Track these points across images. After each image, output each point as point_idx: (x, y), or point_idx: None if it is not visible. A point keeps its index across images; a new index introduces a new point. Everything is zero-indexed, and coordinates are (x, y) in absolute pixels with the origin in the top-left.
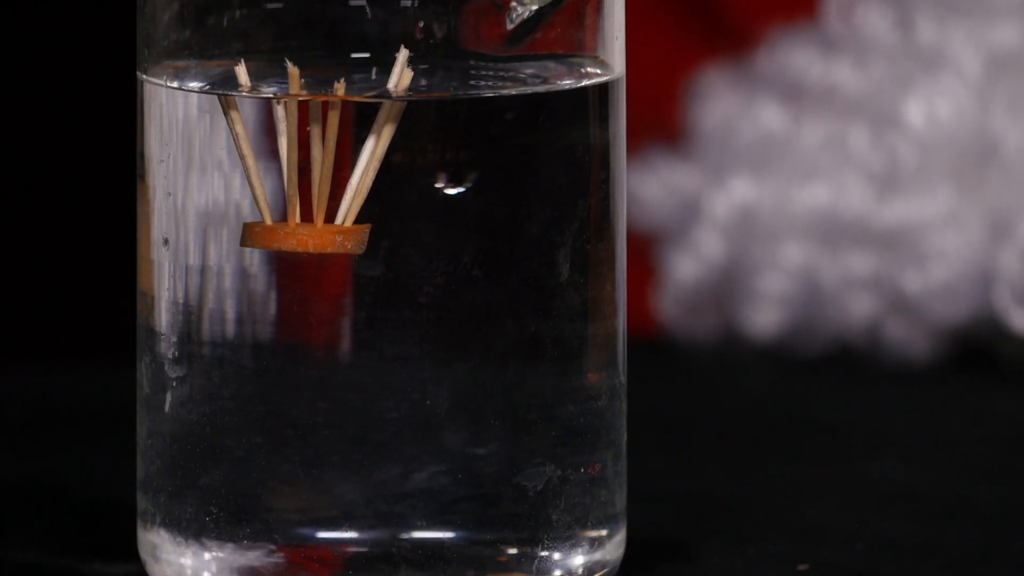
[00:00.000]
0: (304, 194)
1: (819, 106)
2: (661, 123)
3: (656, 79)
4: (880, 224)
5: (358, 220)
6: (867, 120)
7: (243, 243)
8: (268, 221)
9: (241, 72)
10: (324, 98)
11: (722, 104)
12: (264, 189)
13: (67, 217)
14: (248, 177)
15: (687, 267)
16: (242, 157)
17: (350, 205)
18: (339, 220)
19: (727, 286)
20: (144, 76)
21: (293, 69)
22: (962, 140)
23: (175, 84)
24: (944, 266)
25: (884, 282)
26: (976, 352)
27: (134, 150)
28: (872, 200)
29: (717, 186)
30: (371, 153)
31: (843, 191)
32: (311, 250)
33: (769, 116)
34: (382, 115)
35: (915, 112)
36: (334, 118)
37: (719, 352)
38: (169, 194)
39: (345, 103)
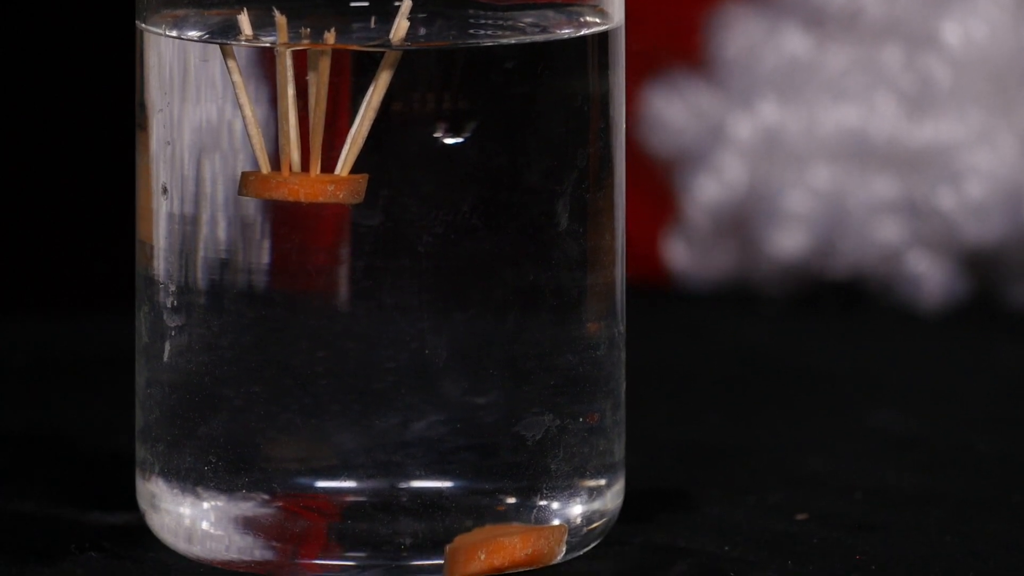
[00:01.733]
0: (307, 143)
1: (844, 32)
2: (684, 54)
3: (678, 10)
4: (912, 144)
5: (357, 169)
6: (899, 42)
7: (240, 192)
8: (265, 170)
9: (243, 21)
10: (314, 46)
11: (745, 33)
12: (262, 138)
13: (67, 165)
14: (246, 126)
15: (710, 190)
16: (240, 106)
17: (346, 154)
18: (337, 170)
19: (750, 209)
20: (143, 25)
21: (281, 18)
22: (996, 60)
23: (174, 33)
24: (978, 184)
25: (918, 201)
26: (985, 298)
27: (133, 99)
28: (904, 120)
29: (742, 109)
30: (367, 103)
31: (873, 112)
32: (302, 199)
33: (794, 42)
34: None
35: (950, 33)
36: (325, 67)
37: (732, 288)
38: (168, 143)
39: (340, 52)
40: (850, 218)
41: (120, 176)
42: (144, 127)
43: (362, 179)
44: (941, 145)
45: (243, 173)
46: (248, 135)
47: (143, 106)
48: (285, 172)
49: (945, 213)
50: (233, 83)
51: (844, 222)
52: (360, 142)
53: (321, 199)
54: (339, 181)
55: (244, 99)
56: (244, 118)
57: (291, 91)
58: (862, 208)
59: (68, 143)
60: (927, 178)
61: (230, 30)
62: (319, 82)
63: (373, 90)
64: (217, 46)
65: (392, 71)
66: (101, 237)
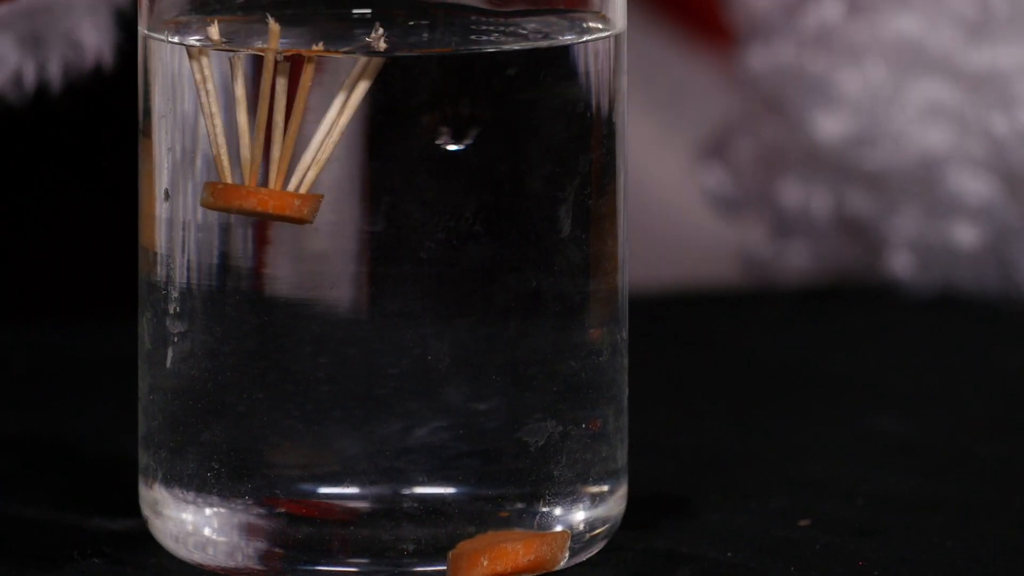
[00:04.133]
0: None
1: None
2: None
3: None
4: (968, 66)
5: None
6: None
7: (204, 203)
8: (228, 179)
9: (213, 31)
10: (282, 51)
11: None
12: (226, 147)
13: (69, 171)
14: (213, 134)
15: (761, 63)
16: (211, 114)
17: (305, 172)
18: (293, 187)
19: (799, 87)
20: (145, 31)
21: (274, 26)
22: None
23: (176, 39)
24: None
25: (969, 120)
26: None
27: (137, 105)
28: (960, 42)
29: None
30: (333, 121)
31: (934, 27)
32: (271, 211)
33: None
34: (351, 78)
35: None
36: (306, 79)
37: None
38: (170, 149)
39: (323, 64)
40: (900, 114)
41: (123, 182)
42: (147, 133)
43: (320, 199)
44: (997, 71)
45: (207, 183)
46: (214, 144)
47: (147, 112)
48: (251, 183)
49: (998, 137)
50: (206, 90)
51: (891, 116)
52: (324, 160)
53: (288, 213)
54: (305, 198)
55: (216, 107)
56: (213, 126)
57: (286, 103)
58: (911, 107)
59: (71, 148)
60: (982, 100)
61: (232, 36)
62: (300, 94)
63: (344, 106)
64: (218, 52)
65: (366, 86)
66: (104, 243)
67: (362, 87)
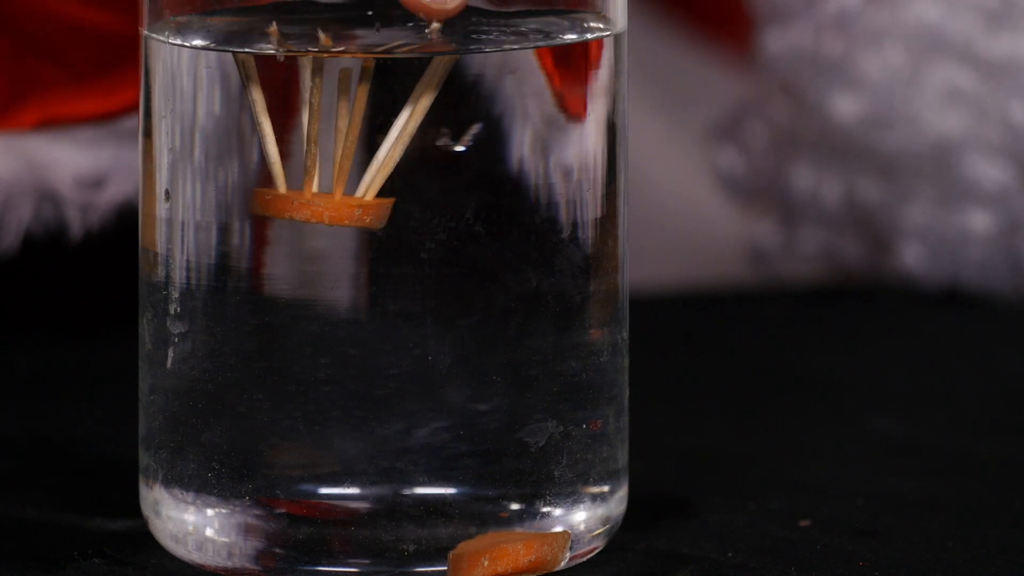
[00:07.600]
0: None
1: None
2: None
3: None
4: (987, 54)
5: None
6: None
7: (253, 210)
8: (282, 189)
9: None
10: (306, 54)
11: None
12: (278, 155)
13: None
14: (263, 144)
15: (778, 45)
16: (258, 123)
17: (373, 178)
18: (360, 193)
19: (816, 69)
20: (146, 31)
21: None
22: None
23: (177, 40)
24: None
25: (988, 108)
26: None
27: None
28: (980, 30)
29: None
30: (402, 126)
31: (954, 14)
32: (325, 222)
33: None
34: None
35: None
36: (364, 89)
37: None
38: (171, 149)
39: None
40: (915, 96)
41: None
42: (148, 133)
43: (389, 203)
44: (1017, 59)
45: (256, 191)
46: (265, 152)
47: (147, 112)
48: (308, 193)
49: (1014, 124)
50: (251, 100)
51: (909, 99)
52: (391, 166)
53: (347, 222)
54: (367, 206)
55: (262, 116)
56: (261, 136)
57: (350, 110)
58: (929, 91)
59: None
60: (1001, 89)
61: (232, 38)
62: (356, 103)
63: (411, 113)
64: (216, 53)
65: (433, 92)
66: (104, 243)
67: (431, 92)
